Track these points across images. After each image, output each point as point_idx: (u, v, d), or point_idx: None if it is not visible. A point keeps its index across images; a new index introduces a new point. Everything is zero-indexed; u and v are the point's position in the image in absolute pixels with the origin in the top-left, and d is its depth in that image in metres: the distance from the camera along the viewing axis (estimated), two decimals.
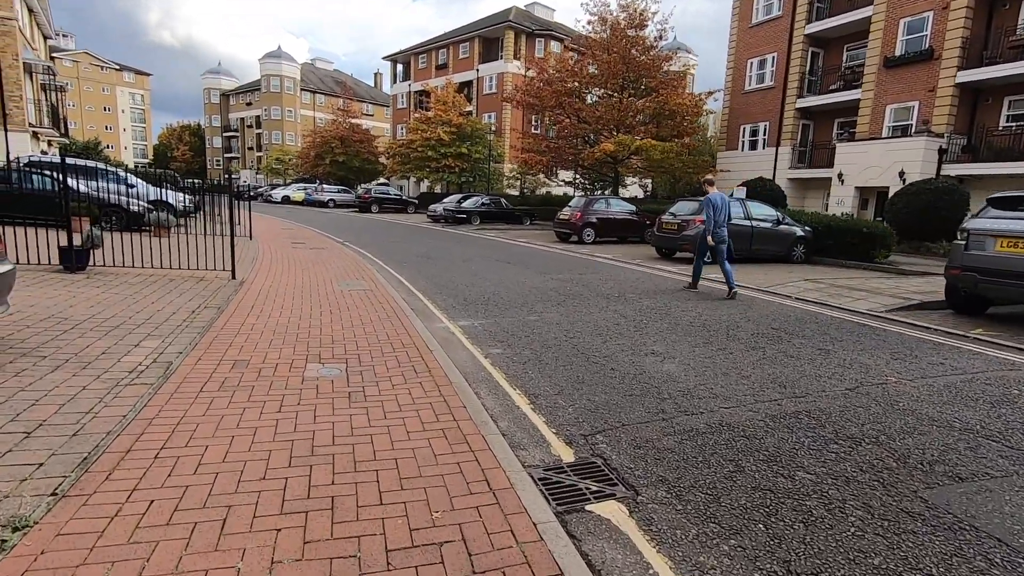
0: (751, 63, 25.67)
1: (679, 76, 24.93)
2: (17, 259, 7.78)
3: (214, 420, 3.32)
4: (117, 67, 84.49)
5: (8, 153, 19.57)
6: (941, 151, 18.30)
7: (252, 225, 19.07)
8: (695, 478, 2.98)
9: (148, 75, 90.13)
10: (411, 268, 10.73)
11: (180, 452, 2.91)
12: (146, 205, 14.26)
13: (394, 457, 3.00)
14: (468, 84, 44.43)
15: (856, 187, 20.40)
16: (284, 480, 2.70)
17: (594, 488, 2.89)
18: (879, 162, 19.34)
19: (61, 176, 7.71)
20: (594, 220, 16.83)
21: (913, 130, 19.28)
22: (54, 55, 76.13)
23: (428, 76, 46.60)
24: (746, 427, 3.63)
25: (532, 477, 2.93)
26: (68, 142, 30.47)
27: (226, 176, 10.36)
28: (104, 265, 8.04)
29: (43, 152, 24.26)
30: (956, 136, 18.59)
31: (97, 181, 14.89)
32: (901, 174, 18.45)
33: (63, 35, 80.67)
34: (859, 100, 21.25)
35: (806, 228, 13.10)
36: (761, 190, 20.50)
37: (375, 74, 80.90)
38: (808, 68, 23.69)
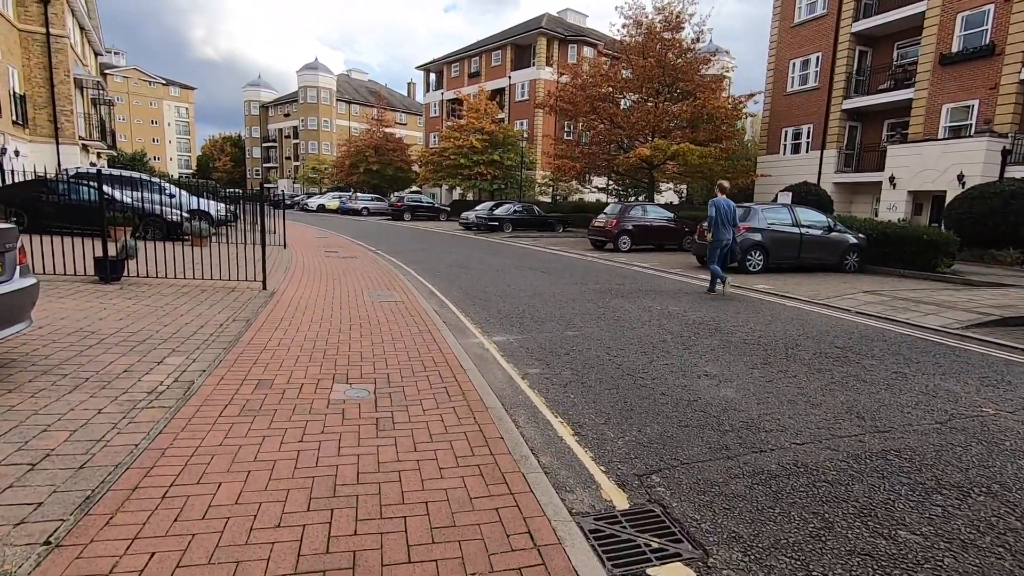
0: (793, 64, 24.71)
1: (717, 79, 24.15)
2: (55, 269, 7.84)
3: (230, 451, 3.04)
4: (164, 82, 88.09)
5: (59, 165, 20.33)
6: (1005, 152, 17.09)
7: (287, 234, 19.28)
8: (775, 536, 2.53)
9: (193, 89, 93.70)
10: (444, 278, 10.47)
11: (190, 490, 2.63)
12: (184, 215, 14.43)
13: (425, 500, 2.65)
14: (500, 91, 44.42)
15: (909, 191, 19.28)
16: (301, 528, 2.38)
17: (655, 545, 2.47)
18: (935, 165, 18.22)
19: (98, 187, 7.72)
20: (630, 227, 16.31)
21: (973, 130, 18.11)
22: (106, 71, 80.00)
23: (460, 84, 46.80)
24: (826, 469, 3.15)
25: (582, 529, 2.54)
26: (116, 154, 31.63)
27: (259, 186, 10.36)
28: (138, 276, 8.02)
29: (92, 164, 25.18)
30: (1021, 136, 17.35)
31: (140, 191, 15.30)
32: (960, 177, 17.32)
33: (115, 53, 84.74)
34: (912, 100, 20.14)
35: (859, 235, 12.30)
36: (806, 195, 19.59)
37: (408, 84, 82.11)
38: (855, 67, 22.64)
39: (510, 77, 44.08)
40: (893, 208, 19.70)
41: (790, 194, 16.95)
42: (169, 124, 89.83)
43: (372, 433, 3.38)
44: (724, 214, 8.99)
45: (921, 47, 19.82)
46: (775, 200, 21.60)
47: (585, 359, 5.26)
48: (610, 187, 35.15)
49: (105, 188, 14.39)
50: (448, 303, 8.04)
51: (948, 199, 17.17)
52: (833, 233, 11.99)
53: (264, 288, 8.03)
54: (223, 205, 18.76)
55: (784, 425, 3.75)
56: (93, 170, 19.07)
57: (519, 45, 44.09)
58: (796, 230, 11.64)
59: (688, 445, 3.43)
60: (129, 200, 14.71)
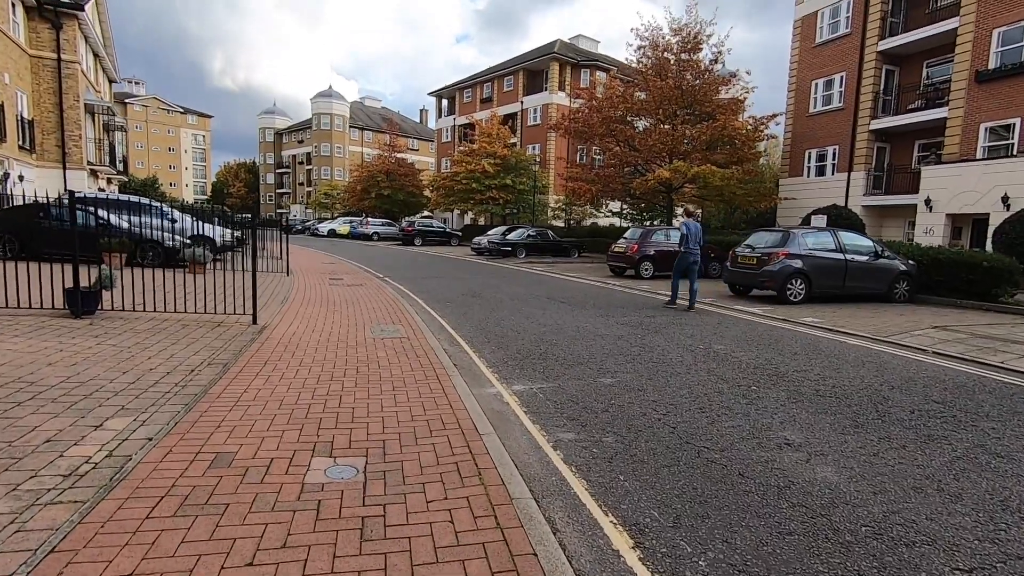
0: (816, 84, 23.95)
1: (736, 100, 23.39)
2: (28, 301, 7.03)
3: None
4: (182, 110, 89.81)
5: (64, 189, 19.93)
6: None
7: (291, 259, 18.57)
8: None
9: (210, 117, 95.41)
10: (455, 309, 9.56)
11: None
12: (184, 240, 13.73)
13: None
14: (512, 116, 44.23)
15: (947, 214, 18.18)
16: None
17: None
18: (976, 186, 17.15)
19: (70, 210, 6.97)
20: (652, 253, 15.36)
21: (1016, 149, 17.08)
22: (126, 100, 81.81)
23: (473, 110, 46.73)
24: None
25: None
26: (127, 179, 31.51)
27: (251, 205, 9.55)
28: (114, 309, 7.18)
29: (100, 189, 24.89)
30: None
31: (139, 216, 14.70)
32: (1005, 199, 16.23)
33: (135, 82, 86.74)
34: (946, 119, 19.18)
35: (909, 262, 11.24)
36: (836, 218, 18.57)
37: (421, 110, 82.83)
38: (882, 87, 21.80)
39: (522, 102, 43.91)
40: (930, 232, 18.58)
41: (824, 217, 15.94)
42: (186, 151, 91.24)
43: (354, 544, 2.41)
44: (694, 235, 10.13)
45: (954, 64, 18.95)
46: (803, 223, 20.61)
47: (629, 418, 4.26)
48: (623, 211, 34.37)
49: (101, 213, 13.83)
50: (459, 339, 7.10)
51: (992, 222, 16.07)
52: (880, 259, 10.94)
53: (254, 323, 7.16)
54: (229, 230, 18.17)
55: (927, 532, 2.72)
56: (103, 195, 18.62)
57: (531, 70, 44.03)
58: (840, 256, 10.61)
59: (804, 571, 2.41)
60: (127, 225, 14.13)
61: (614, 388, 5.01)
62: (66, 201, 12.68)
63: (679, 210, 31.24)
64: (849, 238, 11.00)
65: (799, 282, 10.37)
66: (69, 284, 6.73)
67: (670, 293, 10.46)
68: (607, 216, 36.54)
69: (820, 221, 14.39)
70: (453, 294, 11.58)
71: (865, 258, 10.87)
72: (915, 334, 7.71)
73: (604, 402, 4.63)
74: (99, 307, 6.98)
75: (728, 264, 11.59)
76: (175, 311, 7.26)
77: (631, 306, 10.32)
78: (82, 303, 6.74)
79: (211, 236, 16.70)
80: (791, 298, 10.34)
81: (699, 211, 11.09)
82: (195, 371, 4.90)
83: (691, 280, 9.97)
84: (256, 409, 4.03)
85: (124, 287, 8.06)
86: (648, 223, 33.96)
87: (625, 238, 16.13)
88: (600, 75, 40.36)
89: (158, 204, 16.14)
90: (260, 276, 13.44)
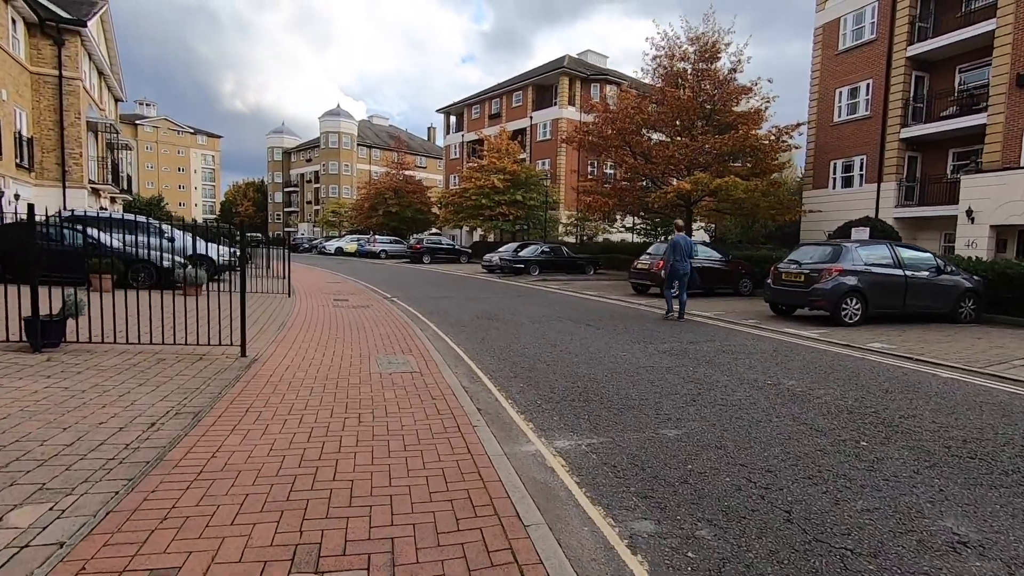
0: (839, 93, 23.01)
1: (756, 111, 22.46)
2: None
3: None
4: (192, 131, 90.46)
5: (64, 207, 19.25)
6: None
7: (296, 279, 17.68)
8: None
9: (219, 137, 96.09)
10: (471, 334, 8.54)
11: None
12: (180, 260, 12.84)
13: None
14: (521, 132, 43.66)
15: (992, 226, 17.03)
16: None
17: None
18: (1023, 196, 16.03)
19: (66, 229, 6.06)
20: None
21: None
22: (136, 122, 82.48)
23: (481, 126, 46.25)
24: None
25: None
26: (131, 198, 30.99)
27: (238, 224, 8.70)
28: (79, 341, 6.21)
29: (102, 208, 24.26)
30: None
31: (135, 235, 13.88)
32: None
33: (146, 104, 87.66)
34: (984, 126, 18.12)
35: (974, 278, 10.11)
36: (872, 231, 17.44)
37: (428, 128, 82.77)
38: (912, 94, 20.81)
39: (531, 117, 43.35)
40: (972, 245, 17.41)
41: (867, 229, 14.83)
42: (195, 171, 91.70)
43: None
44: (682, 249, 10.41)
45: (992, 68, 17.94)
46: (834, 236, 19.50)
47: (720, 493, 3.19)
48: (636, 226, 33.34)
49: (92, 232, 13.01)
50: (480, 374, 6.07)
51: None
52: (943, 275, 9.83)
53: (243, 355, 6.18)
54: (228, 248, 17.34)
55: None
56: (104, 214, 17.88)
57: (540, 85, 43.54)
58: (899, 272, 9.52)
59: None
60: (119, 244, 13.32)
61: (685, 445, 3.94)
62: (50, 220, 11.82)
63: (693, 224, 30.26)
64: (909, 253, 9.90)
65: (855, 301, 9.26)
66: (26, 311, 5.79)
67: (674, 307, 10.65)
68: (619, 232, 35.59)
69: (862, 234, 13.31)
70: (467, 316, 10.58)
71: (926, 274, 9.76)
72: (1014, 364, 6.57)
73: (679, 467, 3.56)
74: (63, 339, 6.03)
75: (770, 282, 10.50)
76: (153, 342, 6.29)
77: (668, 331, 9.25)
78: (42, 334, 5.79)
79: (210, 255, 15.92)
80: (846, 319, 9.24)
81: (680, 222, 12.24)
82: (156, 425, 3.90)
83: (680, 291, 10.39)
84: (222, 485, 3.01)
85: (103, 313, 7.16)
86: (663, 238, 32.97)
87: (649, 254, 15.07)
88: (610, 89, 39.75)
89: (155, 222, 15.33)
90: (260, 298, 12.56)
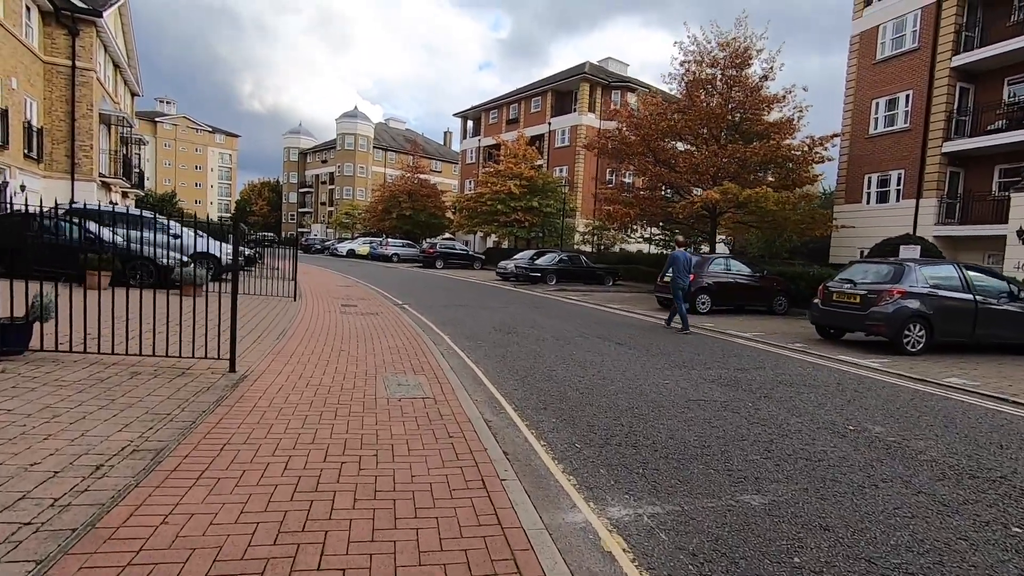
0: (876, 103, 21.96)
1: (788, 120, 21.46)
2: None
3: None
4: (210, 129, 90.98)
5: (72, 200, 18.75)
6: None
7: (305, 281, 16.97)
8: None
9: (237, 136, 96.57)
10: (488, 351, 7.69)
11: None
12: (182, 258, 12.14)
13: None
14: (539, 138, 42.91)
15: None
16: None
17: None
18: None
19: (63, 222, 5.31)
20: (709, 284, 13.33)
21: None
22: (156, 119, 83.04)
23: (498, 131, 45.55)
24: None
25: None
26: (143, 193, 30.62)
27: (230, 220, 7.94)
28: (45, 349, 5.43)
29: (111, 202, 23.81)
30: None
31: (139, 231, 13.24)
32: None
33: (166, 102, 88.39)
34: None
35: None
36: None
37: (445, 133, 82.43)
38: (955, 106, 19.73)
39: (550, 123, 42.62)
40: (1021, 267, 16.25)
41: (917, 247, 13.78)
42: (212, 169, 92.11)
43: None
44: (683, 265, 10.93)
45: None
46: (871, 255, 18.41)
47: None
48: (654, 237, 32.22)
49: (92, 226, 12.38)
50: (503, 403, 5.21)
51: None
52: (1017, 301, 8.79)
53: (231, 370, 5.37)
54: (239, 248, 16.68)
55: None
56: (110, 208, 17.33)
57: (560, 91, 42.82)
58: (968, 297, 8.51)
59: None
60: (121, 240, 12.69)
61: (778, 521, 3.03)
62: (50, 211, 11.13)
63: (681, 239, 29.12)
64: (977, 274, 8.88)
65: (918, 328, 8.27)
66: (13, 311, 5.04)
67: (680, 322, 10.70)
68: (636, 242, 34.61)
69: (911, 252, 12.29)
70: (483, 328, 9.73)
71: (996, 299, 8.74)
72: None
73: (782, 559, 2.66)
74: (27, 346, 5.25)
75: (818, 301, 9.52)
76: (130, 353, 5.50)
77: (709, 353, 8.32)
78: (3, 340, 5.03)
79: (216, 254, 15.26)
80: (908, 347, 8.25)
81: (680, 238, 13.66)
82: (104, 467, 3.08)
83: (678, 304, 10.66)
84: (168, 570, 2.17)
85: (87, 315, 6.38)
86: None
87: None
88: (631, 97, 38.91)
89: (161, 218, 14.68)
90: (263, 301, 11.80)
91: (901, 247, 13.83)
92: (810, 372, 7.11)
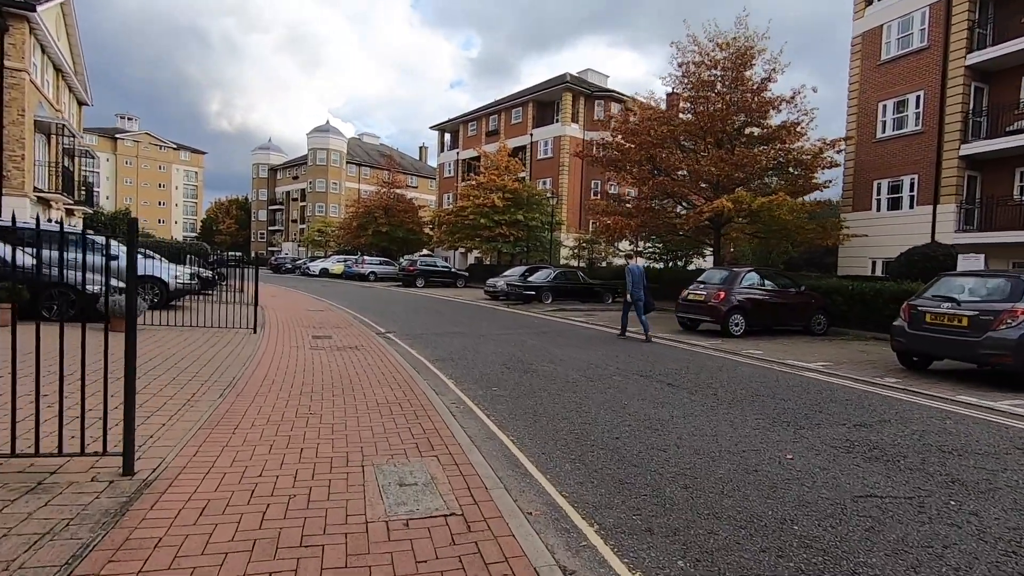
0: (883, 106, 20.87)
1: (795, 124, 20.15)
2: None
3: None
4: (175, 146, 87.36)
5: None
6: None
7: (272, 305, 14.71)
8: None
9: (203, 154, 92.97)
10: (511, 403, 5.71)
11: None
12: (115, 284, 9.82)
13: None
14: (521, 149, 41.39)
15: None
16: None
17: None
18: None
19: None
20: (742, 302, 11.54)
21: None
22: (117, 136, 79.21)
23: (477, 143, 43.88)
24: None
25: None
26: (92, 211, 27.83)
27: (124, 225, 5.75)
28: None
29: (49, 220, 21.12)
30: None
31: (61, 252, 10.93)
32: None
33: (128, 118, 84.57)
34: None
35: None
36: (945, 259, 15.00)
37: (420, 147, 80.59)
38: (971, 107, 18.70)
39: (532, 135, 41.18)
40: None
41: (981, 256, 12.28)
42: (177, 188, 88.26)
43: None
44: (638, 277, 11.35)
45: None
46: (891, 267, 17.03)
47: None
48: (646, 250, 30.61)
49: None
50: (573, 515, 3.22)
51: None
52: None
53: (126, 473, 3.27)
54: (192, 270, 14.35)
55: None
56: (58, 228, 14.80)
57: (541, 102, 41.51)
58: None
59: None
60: (31, 261, 10.34)
61: None
62: None
63: (707, 249, 27.80)
64: None
65: None
66: None
67: (643, 331, 11.01)
68: (627, 256, 33.06)
69: (975, 263, 10.78)
70: (492, 367, 7.73)
71: None
72: None
73: None
74: None
75: (904, 324, 7.77)
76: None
77: (795, 399, 6.47)
78: None
79: (162, 277, 12.94)
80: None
81: (633, 251, 13.18)
82: None
83: (638, 314, 11.16)
84: None
85: None
86: (671, 263, 30.44)
87: (703, 283, 12.30)
88: (615, 107, 37.70)
89: (91, 235, 12.32)
90: (215, 335, 9.56)
91: (960, 257, 12.35)
92: (959, 427, 5.29)
